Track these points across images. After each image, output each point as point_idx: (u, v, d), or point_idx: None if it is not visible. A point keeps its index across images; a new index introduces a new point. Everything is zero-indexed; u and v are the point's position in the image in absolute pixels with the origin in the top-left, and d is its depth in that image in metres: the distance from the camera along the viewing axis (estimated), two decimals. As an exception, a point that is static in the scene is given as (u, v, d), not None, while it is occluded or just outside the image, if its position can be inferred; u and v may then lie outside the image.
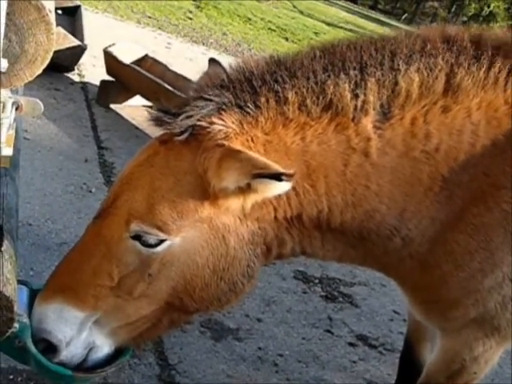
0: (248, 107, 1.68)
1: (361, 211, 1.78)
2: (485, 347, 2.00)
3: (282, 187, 1.62)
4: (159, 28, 10.18)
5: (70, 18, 7.37)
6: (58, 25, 5.60)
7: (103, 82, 6.04)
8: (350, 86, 1.71)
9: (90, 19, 7.76)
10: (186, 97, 1.77)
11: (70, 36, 6.01)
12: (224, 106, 1.68)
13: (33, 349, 1.72)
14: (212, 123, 1.66)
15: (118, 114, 5.97)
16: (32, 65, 1.53)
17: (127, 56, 5.98)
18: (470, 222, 1.82)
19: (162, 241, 1.67)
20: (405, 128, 1.75)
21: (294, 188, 1.70)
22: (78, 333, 1.73)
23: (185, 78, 5.78)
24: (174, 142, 1.70)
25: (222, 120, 1.66)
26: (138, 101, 6.06)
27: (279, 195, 1.70)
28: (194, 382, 2.90)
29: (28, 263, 3.26)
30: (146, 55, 6.30)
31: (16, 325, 1.65)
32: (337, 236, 1.85)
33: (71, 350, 1.74)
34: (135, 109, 6.06)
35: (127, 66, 5.84)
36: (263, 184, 1.62)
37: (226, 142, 1.64)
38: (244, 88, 1.71)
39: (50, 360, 1.75)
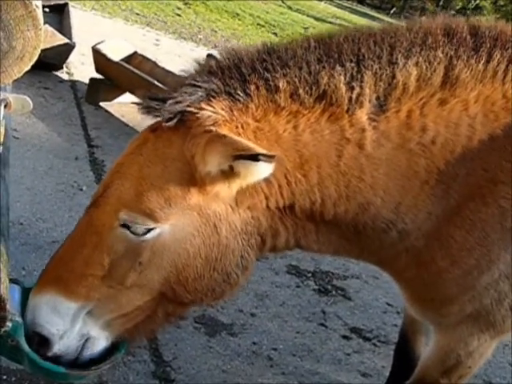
0: (238, 94, 1.67)
1: (355, 204, 1.77)
2: (480, 342, 2.00)
3: (263, 169, 1.60)
4: (147, 25, 10.13)
5: (58, 15, 7.32)
6: (45, 23, 5.56)
7: (92, 79, 6.00)
8: (345, 79, 1.70)
9: (78, 17, 7.71)
10: (175, 84, 1.75)
11: (57, 34, 5.97)
12: (213, 93, 1.67)
13: (26, 347, 1.71)
14: (201, 109, 1.65)
15: (107, 111, 5.94)
16: (20, 61, 1.52)
17: (116, 53, 5.95)
18: (467, 218, 1.80)
19: (150, 229, 1.66)
20: (401, 120, 1.74)
21: (285, 177, 1.70)
22: (71, 325, 1.71)
23: (174, 75, 5.75)
24: (163, 129, 1.69)
25: (212, 106, 1.65)
26: (127, 98, 6.04)
27: (270, 183, 1.69)
28: (189, 378, 2.90)
29: (19, 262, 3.25)
30: (135, 52, 6.27)
31: (9, 324, 1.64)
32: (331, 229, 1.83)
33: (65, 343, 1.73)
34: (125, 106, 6.03)
35: (116, 63, 5.81)
36: (244, 166, 1.60)
37: (214, 128, 1.63)
38: (233, 75, 1.69)
39: (44, 356, 1.74)
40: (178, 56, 8.36)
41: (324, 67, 1.70)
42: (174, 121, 1.67)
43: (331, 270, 4.23)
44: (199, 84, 1.68)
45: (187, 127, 1.66)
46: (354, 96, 1.70)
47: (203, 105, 1.65)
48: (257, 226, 1.76)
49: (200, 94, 1.66)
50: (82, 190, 4.35)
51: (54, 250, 3.48)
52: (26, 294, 1.80)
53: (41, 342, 1.73)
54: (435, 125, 1.75)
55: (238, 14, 13.81)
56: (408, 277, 1.97)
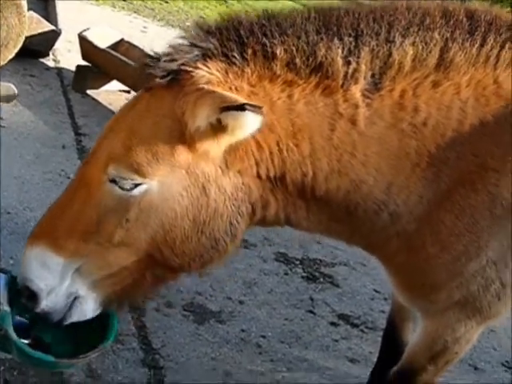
0: (234, 57, 1.67)
1: (347, 180, 1.77)
2: (466, 328, 2.01)
3: (251, 121, 1.60)
4: (135, 12, 10.03)
5: (43, 2, 7.23)
6: (30, 9, 5.48)
7: (79, 67, 5.94)
8: (342, 52, 1.70)
9: (64, 3, 7.61)
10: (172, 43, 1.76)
11: (43, 20, 5.89)
12: (210, 53, 1.67)
13: (14, 336, 1.71)
14: (196, 68, 1.66)
15: (94, 99, 5.90)
16: (4, 49, 1.51)
17: (103, 40, 5.89)
18: (457, 203, 1.81)
19: (138, 184, 1.66)
20: (394, 100, 1.74)
21: (277, 144, 1.70)
22: (59, 281, 1.71)
23: (162, 62, 5.71)
24: (157, 87, 1.69)
25: (207, 67, 1.66)
26: (114, 86, 5.99)
27: (261, 148, 1.69)
28: (178, 365, 2.91)
29: (7, 252, 3.23)
30: (122, 39, 6.21)
31: (-4, 312, 1.64)
32: (322, 208, 1.83)
33: (53, 299, 1.72)
34: (112, 94, 5.99)
35: (103, 50, 5.75)
36: (232, 118, 1.60)
37: (206, 86, 1.64)
38: (231, 36, 1.70)
39: (33, 312, 1.74)
40: (165, 43, 8.30)
41: (322, 39, 1.70)
42: (168, 78, 1.67)
43: (319, 258, 4.25)
44: (196, 43, 1.68)
45: (181, 86, 1.67)
46: (349, 71, 1.70)
47: (199, 64, 1.65)
48: (247, 194, 1.74)
49: (196, 53, 1.67)
50: (69, 178, 4.30)
51: (41, 238, 3.51)
52: (13, 283, 1.80)
53: (30, 296, 1.73)
54: (427, 106, 1.75)
55: (225, 1, 13.70)
56: (398, 262, 1.98)
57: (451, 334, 2.03)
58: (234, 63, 1.67)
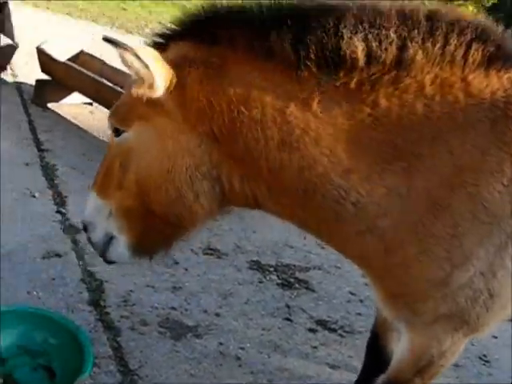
0: (204, 37, 1.88)
1: (298, 155, 1.81)
2: (453, 340, 1.99)
3: (128, 57, 1.81)
4: (93, 21, 9.91)
5: (-2, 15, 7.07)
6: (-15, 25, 5.38)
7: (38, 81, 5.84)
8: (291, 39, 1.79)
9: (20, 16, 7.46)
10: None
11: (-1, 35, 5.78)
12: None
13: None
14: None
15: (56, 113, 5.80)
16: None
17: (61, 52, 5.79)
18: (435, 202, 1.79)
19: (121, 132, 1.97)
20: (350, 91, 1.77)
21: (228, 105, 1.83)
22: (100, 219, 2.07)
23: (124, 72, 5.62)
24: None
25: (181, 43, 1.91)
26: (76, 98, 5.89)
27: (212, 106, 1.83)
28: (157, 384, 2.85)
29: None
30: (81, 51, 6.11)
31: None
32: (281, 185, 1.88)
33: (96, 234, 2.10)
34: (74, 106, 5.89)
35: (62, 63, 5.66)
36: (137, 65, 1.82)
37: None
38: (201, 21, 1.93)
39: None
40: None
41: (273, 27, 1.81)
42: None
43: (293, 263, 4.24)
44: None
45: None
46: (301, 58, 1.78)
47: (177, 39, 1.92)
48: (206, 153, 1.88)
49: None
50: (34, 196, 4.23)
51: (11, 261, 3.42)
52: None
53: (83, 228, 2.16)
54: (387, 101, 1.77)
55: (184, 5, 13.63)
56: (377, 266, 1.96)
57: (437, 347, 2.01)
58: (204, 40, 1.88)
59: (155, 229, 2.02)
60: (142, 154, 1.92)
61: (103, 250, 2.12)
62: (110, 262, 2.20)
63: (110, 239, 2.09)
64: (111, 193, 2.01)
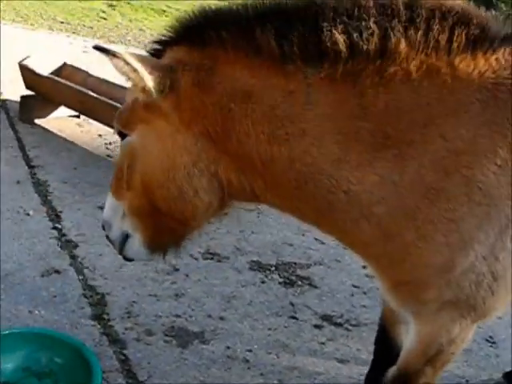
0: (196, 39, 1.92)
1: (288, 147, 1.84)
2: (461, 327, 1.98)
3: (117, 64, 1.87)
4: (73, 32, 9.86)
5: (-23, 34, 7.03)
6: (-35, 45, 5.33)
7: (23, 97, 5.79)
8: (274, 35, 1.81)
9: (-1, 32, 7.43)
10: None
11: (-20, 54, 5.74)
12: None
13: None
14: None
15: (44, 128, 5.75)
16: None
17: (44, 67, 5.75)
18: (431, 187, 1.79)
19: (125, 135, 2.05)
20: (337, 83, 1.79)
21: (219, 103, 1.87)
22: (115, 219, 2.16)
23: (108, 82, 5.60)
24: None
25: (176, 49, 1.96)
26: (62, 112, 5.85)
27: (204, 104, 1.88)
28: (167, 394, 2.83)
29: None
30: (65, 64, 6.06)
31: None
32: (275, 177, 1.91)
33: (113, 233, 2.19)
34: (62, 121, 5.85)
35: (45, 77, 5.62)
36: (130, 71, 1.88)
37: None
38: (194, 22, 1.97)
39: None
40: (109, 61, 8.15)
41: (256, 24, 1.85)
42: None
43: (294, 260, 4.22)
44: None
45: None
46: (286, 53, 1.81)
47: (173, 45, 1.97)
48: (203, 150, 1.93)
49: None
50: (28, 214, 4.20)
51: (8, 283, 3.39)
52: None
53: (103, 227, 2.24)
54: (374, 90, 1.78)
55: (164, 11, 13.58)
56: (377, 253, 1.95)
57: (446, 336, 2.00)
58: (197, 44, 1.92)
59: (164, 226, 2.09)
60: (145, 155, 2.00)
61: (120, 248, 2.21)
62: (128, 260, 2.30)
63: (125, 237, 2.18)
64: (123, 193, 2.10)
